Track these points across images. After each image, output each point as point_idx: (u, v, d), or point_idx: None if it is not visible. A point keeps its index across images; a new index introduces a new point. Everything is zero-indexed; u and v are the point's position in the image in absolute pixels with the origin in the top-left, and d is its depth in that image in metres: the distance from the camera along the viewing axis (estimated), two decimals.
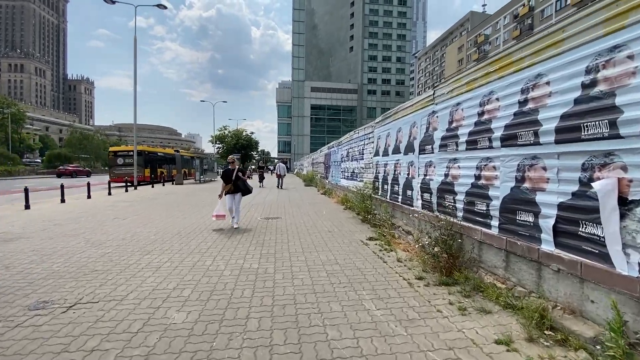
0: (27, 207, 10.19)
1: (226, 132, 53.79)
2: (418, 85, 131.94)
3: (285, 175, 22.42)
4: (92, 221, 7.90)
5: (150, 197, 13.99)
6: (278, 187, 20.53)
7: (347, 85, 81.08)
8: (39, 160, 70.14)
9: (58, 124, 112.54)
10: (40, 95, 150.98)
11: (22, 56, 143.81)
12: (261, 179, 24.14)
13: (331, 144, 15.98)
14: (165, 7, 18.44)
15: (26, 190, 10.36)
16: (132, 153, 23.60)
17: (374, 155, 8.18)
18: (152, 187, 20.85)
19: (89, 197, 13.52)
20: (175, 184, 24.17)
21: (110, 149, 23.78)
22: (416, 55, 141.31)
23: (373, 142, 8.38)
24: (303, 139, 76.87)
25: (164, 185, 22.97)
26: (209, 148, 60.98)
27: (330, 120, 79.22)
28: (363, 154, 9.35)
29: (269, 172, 35.10)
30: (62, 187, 12.24)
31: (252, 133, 56.67)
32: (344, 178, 12.12)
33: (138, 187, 19.82)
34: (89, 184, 14.04)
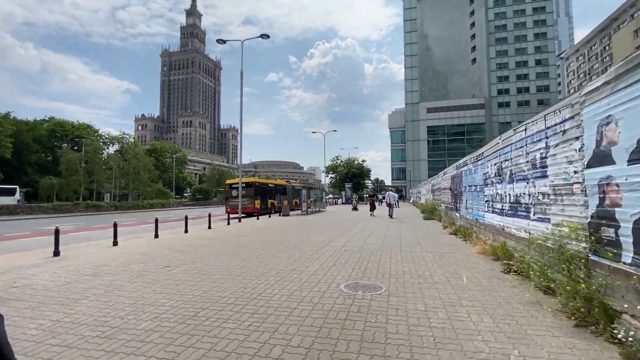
0: (115, 243, 9.61)
1: (338, 162, 53.35)
2: (568, 90, 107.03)
3: (396, 204, 20.20)
4: (131, 273, 5.98)
5: (240, 234, 12.32)
6: (390, 216, 19.08)
7: (470, 100, 71.17)
8: None
9: (213, 164, 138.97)
10: (202, 143, 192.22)
11: (191, 114, 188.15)
12: (372, 208, 22.64)
13: (462, 160, 11.29)
14: (268, 37, 18.15)
15: (115, 226, 9.86)
16: (244, 185, 24.15)
17: (592, 166, 3.64)
18: (257, 219, 20.11)
19: (186, 231, 12.88)
20: (282, 215, 23.19)
21: (227, 181, 24.89)
22: (562, 55, 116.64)
23: (578, 136, 3.88)
24: (419, 164, 70.12)
25: (270, 216, 22.19)
26: (326, 179, 61.91)
27: (452, 141, 70.12)
28: (545, 167, 4.80)
29: (379, 202, 31.31)
30: (156, 221, 11.75)
31: (363, 161, 54.61)
32: (493, 212, 7.40)
33: (243, 220, 19.27)
34: (186, 218, 13.53)
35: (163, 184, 72.11)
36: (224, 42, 18.90)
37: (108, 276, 5.76)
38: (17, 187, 36.52)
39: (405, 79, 75.46)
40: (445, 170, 16.30)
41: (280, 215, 23.73)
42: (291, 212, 25.91)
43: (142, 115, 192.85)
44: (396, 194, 24.14)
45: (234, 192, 24.11)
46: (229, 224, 16.33)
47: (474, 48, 77.21)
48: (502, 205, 6.75)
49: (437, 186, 19.15)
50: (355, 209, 27.44)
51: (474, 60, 77.15)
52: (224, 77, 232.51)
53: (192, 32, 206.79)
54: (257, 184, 24.62)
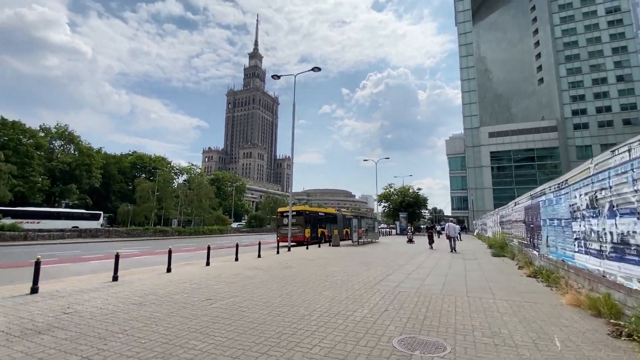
0: (168, 270, 9.90)
1: (391, 190, 51.44)
2: None
3: (457, 237, 18.61)
4: (173, 305, 5.86)
5: (287, 265, 11.97)
6: (451, 250, 17.47)
7: (540, 123, 64.86)
8: None
9: (268, 192, 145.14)
10: (259, 172, 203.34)
11: (251, 146, 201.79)
12: (431, 240, 21.02)
13: (539, 188, 9.72)
14: (319, 69, 18.67)
15: (170, 253, 10.21)
16: (294, 213, 24.18)
17: None
18: (307, 248, 19.71)
19: (236, 259, 12.96)
20: (332, 245, 22.50)
21: (278, 209, 25.21)
22: None
23: None
24: (483, 193, 64.56)
25: (319, 246, 21.65)
26: (378, 208, 60.09)
27: (520, 167, 63.78)
28: None
29: (437, 233, 28.65)
30: (208, 249, 11.99)
31: (419, 189, 51.98)
32: (587, 252, 5.96)
33: (293, 249, 19.04)
34: (237, 246, 13.66)
35: (223, 210, 76.94)
36: (279, 77, 19.93)
37: (151, 307, 5.70)
38: (101, 212, 41.59)
39: (462, 103, 72.06)
40: (516, 200, 14.37)
41: (330, 245, 23.07)
42: (342, 242, 25.11)
43: (209, 148, 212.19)
44: (457, 225, 22.05)
45: (285, 220, 24.27)
46: (278, 252, 16.17)
47: (539, 67, 71.71)
48: (601, 246, 5.37)
49: (506, 218, 16.95)
50: (410, 241, 25.56)
51: (541, 80, 71.36)
52: (281, 111, 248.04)
53: (253, 72, 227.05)
54: (307, 212, 24.50)
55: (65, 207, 48.50)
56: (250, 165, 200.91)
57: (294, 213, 24.20)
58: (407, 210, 49.23)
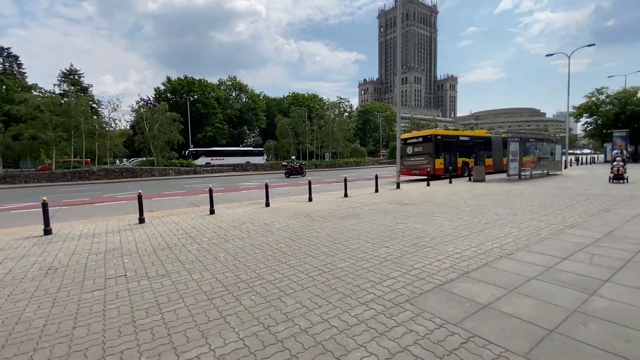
0: (212, 212, 8.57)
1: (600, 97, 33.91)
2: None
3: None
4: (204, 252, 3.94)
5: (354, 213, 8.48)
6: None
7: None
8: None
9: (413, 119, 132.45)
10: (417, 98, 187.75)
11: (406, 70, 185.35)
12: None
13: None
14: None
15: (214, 194, 8.70)
16: (420, 139, 19.14)
17: None
18: (427, 185, 14.94)
19: (309, 199, 10.52)
20: (473, 181, 16.52)
21: (401, 136, 20.53)
22: None
23: None
24: None
25: (450, 181, 16.11)
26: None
27: None
28: None
29: None
30: (266, 187, 9.90)
31: None
32: None
33: (405, 185, 14.84)
34: (309, 184, 11.00)
35: (374, 142, 76.08)
36: None
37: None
38: (263, 149, 48.16)
39: None
40: None
41: (470, 180, 17.05)
42: (494, 177, 18.41)
43: (364, 80, 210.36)
44: None
45: (409, 149, 19.62)
46: (376, 191, 12.58)
47: None
48: None
49: None
50: (618, 177, 15.11)
51: None
52: (442, 22, 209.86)
53: None
54: (438, 137, 18.64)
55: (244, 146, 59.65)
56: (406, 91, 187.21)
57: (420, 139, 19.09)
58: (629, 125, 32.14)
